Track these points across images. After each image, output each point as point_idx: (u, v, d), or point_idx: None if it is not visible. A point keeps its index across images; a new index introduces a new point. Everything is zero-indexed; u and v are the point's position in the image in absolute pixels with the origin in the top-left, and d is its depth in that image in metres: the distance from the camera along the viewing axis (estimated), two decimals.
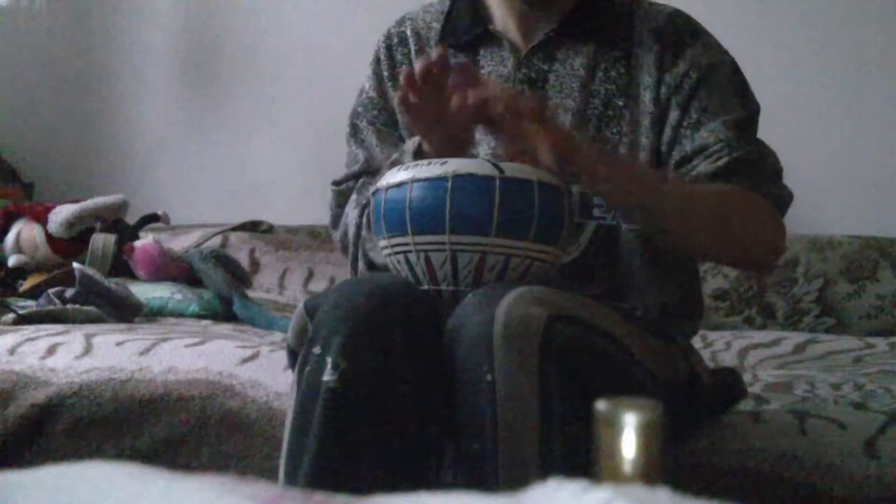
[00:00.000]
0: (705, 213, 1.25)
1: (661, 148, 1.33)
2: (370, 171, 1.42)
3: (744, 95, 1.35)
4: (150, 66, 3.33)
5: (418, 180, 1.13)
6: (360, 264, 1.40)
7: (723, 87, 1.33)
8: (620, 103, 1.34)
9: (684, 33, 1.36)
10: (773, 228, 1.30)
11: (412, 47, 1.44)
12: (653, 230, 1.28)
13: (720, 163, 1.27)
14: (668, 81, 1.33)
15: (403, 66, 1.43)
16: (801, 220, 2.61)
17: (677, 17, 1.38)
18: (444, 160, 1.14)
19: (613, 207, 1.28)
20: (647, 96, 1.33)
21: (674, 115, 1.32)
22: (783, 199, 1.31)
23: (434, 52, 1.16)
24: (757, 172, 1.29)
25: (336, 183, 1.47)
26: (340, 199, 1.46)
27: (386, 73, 1.45)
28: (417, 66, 1.13)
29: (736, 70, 1.37)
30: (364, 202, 1.39)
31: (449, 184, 1.11)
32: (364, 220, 1.38)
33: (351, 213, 1.42)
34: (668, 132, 1.33)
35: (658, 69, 1.34)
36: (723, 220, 1.26)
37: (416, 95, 1.15)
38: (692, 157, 1.30)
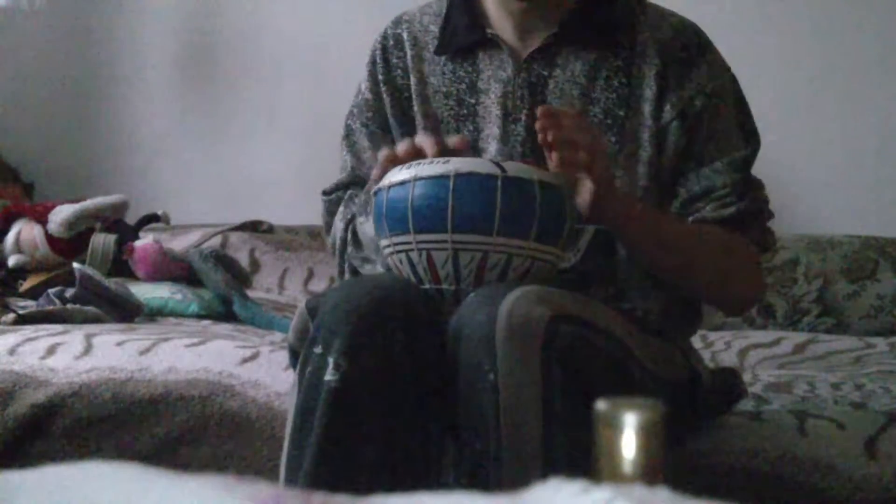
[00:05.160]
0: (707, 262, 1.32)
1: (661, 166, 1.33)
2: (357, 180, 1.44)
3: (747, 125, 1.37)
4: (150, 67, 3.33)
5: (420, 179, 1.13)
6: (347, 276, 1.43)
7: (727, 115, 1.35)
8: (621, 113, 1.33)
9: (691, 49, 1.34)
10: (758, 279, 1.41)
11: (408, 52, 1.42)
12: (654, 270, 1.32)
13: (726, 212, 1.32)
14: (672, 101, 1.32)
15: (398, 71, 1.42)
16: (801, 220, 2.61)
17: (683, 29, 1.36)
18: (446, 159, 1.14)
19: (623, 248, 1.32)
20: (646, 109, 1.33)
21: (677, 140, 1.33)
22: (768, 246, 1.38)
23: (427, 144, 1.19)
24: (755, 223, 1.35)
25: (326, 193, 1.48)
26: (331, 208, 1.47)
27: (381, 77, 1.44)
28: (401, 148, 1.19)
29: (738, 92, 1.38)
30: (349, 216, 1.41)
31: (451, 182, 1.11)
32: (349, 234, 1.40)
33: (338, 224, 1.43)
34: (670, 154, 1.33)
35: (660, 84, 1.33)
36: (721, 271, 1.34)
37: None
38: (699, 198, 1.33)
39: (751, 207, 1.33)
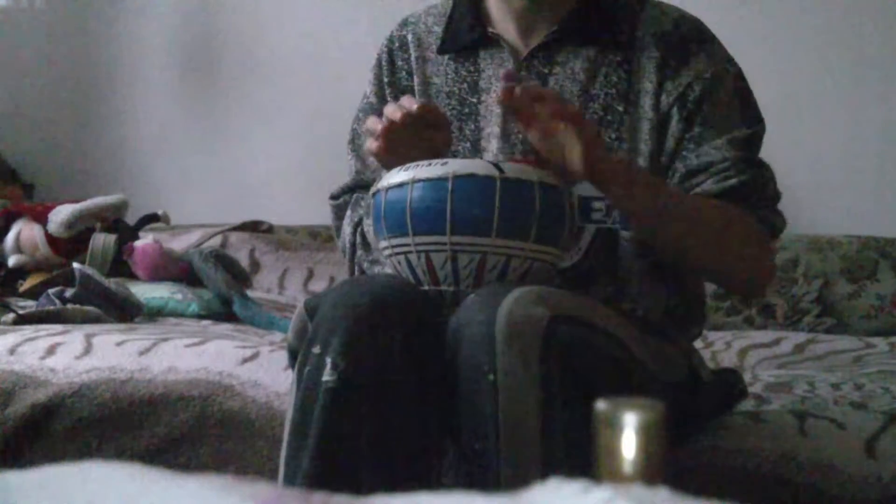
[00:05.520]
0: (709, 233, 1.27)
1: (662, 157, 1.32)
2: (361, 184, 1.44)
3: (748, 110, 1.34)
4: (149, 67, 3.33)
5: (419, 181, 1.13)
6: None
7: (727, 100, 1.33)
8: (620, 108, 1.33)
9: (689, 40, 1.34)
10: (765, 257, 1.34)
11: (412, 53, 1.43)
12: (655, 241, 1.29)
13: (727, 184, 1.28)
14: (669, 90, 1.32)
15: (403, 73, 1.43)
16: (801, 220, 2.61)
17: (683, 22, 1.36)
18: (444, 160, 1.14)
19: (624, 217, 1.28)
20: (646, 102, 1.32)
21: (676, 126, 1.31)
22: (777, 227, 1.33)
23: (406, 102, 1.19)
24: (759, 198, 1.31)
25: (333, 197, 1.49)
26: (339, 213, 1.48)
27: (386, 80, 1.44)
28: (389, 112, 1.18)
29: (741, 81, 1.35)
30: (356, 219, 1.41)
31: (449, 184, 1.11)
32: (357, 238, 1.40)
33: (346, 229, 1.44)
34: (669, 142, 1.32)
35: (659, 76, 1.32)
36: (724, 243, 1.28)
37: (386, 141, 1.19)
38: (697, 173, 1.30)
39: (753, 183, 1.30)
